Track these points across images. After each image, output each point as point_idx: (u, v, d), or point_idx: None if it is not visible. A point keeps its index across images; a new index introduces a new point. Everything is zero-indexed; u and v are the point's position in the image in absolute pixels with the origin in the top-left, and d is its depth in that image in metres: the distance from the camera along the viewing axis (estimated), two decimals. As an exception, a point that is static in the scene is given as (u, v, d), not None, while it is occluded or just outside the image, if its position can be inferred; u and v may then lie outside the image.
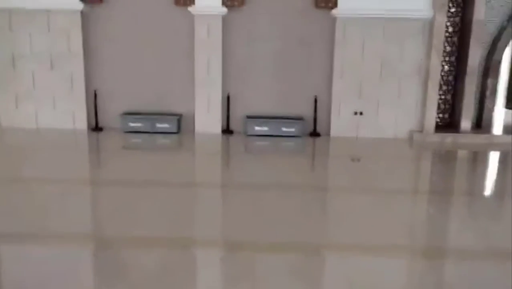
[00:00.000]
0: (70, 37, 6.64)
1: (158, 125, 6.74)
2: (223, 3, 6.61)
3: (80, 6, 6.51)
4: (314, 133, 6.96)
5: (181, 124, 6.93)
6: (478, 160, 6.35)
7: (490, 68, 6.94)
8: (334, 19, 6.67)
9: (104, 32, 6.76)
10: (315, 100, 6.88)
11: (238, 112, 6.96)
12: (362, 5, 6.53)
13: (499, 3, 6.87)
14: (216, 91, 6.83)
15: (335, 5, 6.58)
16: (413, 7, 6.51)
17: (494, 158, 6.40)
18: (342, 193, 4.47)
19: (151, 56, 6.85)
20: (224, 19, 6.69)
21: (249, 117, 6.88)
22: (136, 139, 6.58)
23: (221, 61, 6.75)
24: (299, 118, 6.88)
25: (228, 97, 6.88)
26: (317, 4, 6.64)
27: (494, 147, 6.57)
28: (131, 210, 3.77)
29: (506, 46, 6.92)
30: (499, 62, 6.95)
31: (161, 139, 6.57)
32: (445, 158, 6.29)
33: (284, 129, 6.79)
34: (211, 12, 6.60)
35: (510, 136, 6.72)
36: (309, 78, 6.91)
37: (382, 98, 6.82)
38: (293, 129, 6.79)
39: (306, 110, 6.96)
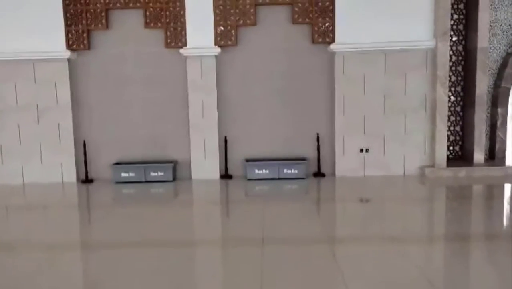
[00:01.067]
0: (57, 87, 6.34)
1: (152, 174, 6.34)
2: (216, 43, 6.35)
3: (67, 54, 6.25)
4: (319, 174, 6.55)
5: (176, 171, 6.53)
6: (495, 195, 5.90)
7: (498, 96, 6.61)
8: (332, 54, 6.40)
9: (92, 80, 6.47)
10: (318, 139, 6.51)
11: (236, 156, 6.58)
12: (360, 38, 6.27)
13: (502, 29, 6.63)
14: (212, 134, 6.47)
15: (332, 39, 6.32)
16: (414, 37, 6.25)
17: (508, 188, 5.97)
18: (352, 243, 4.00)
19: (143, 102, 6.53)
20: (218, 59, 6.42)
21: (248, 160, 6.49)
22: (128, 190, 6.16)
23: (216, 103, 6.43)
24: (302, 159, 6.49)
25: (226, 141, 6.51)
26: (314, 40, 6.38)
27: (510, 179, 6.15)
28: (123, 275, 3.31)
29: (513, 72, 6.63)
30: (508, 89, 6.63)
31: (155, 189, 6.15)
32: (460, 194, 5.84)
33: (286, 171, 6.39)
34: (204, 53, 6.33)
35: (527, 167, 6.31)
36: (310, 116, 6.57)
37: (388, 134, 6.45)
38: (296, 171, 6.38)
39: (308, 150, 6.58)
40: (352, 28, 6.26)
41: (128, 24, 6.40)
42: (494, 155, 6.68)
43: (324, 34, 6.35)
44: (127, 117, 6.55)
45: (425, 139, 6.43)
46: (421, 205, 5.30)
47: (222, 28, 6.34)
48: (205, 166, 6.49)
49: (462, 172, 6.31)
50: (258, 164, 6.40)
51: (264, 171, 6.38)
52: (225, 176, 6.54)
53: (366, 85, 6.39)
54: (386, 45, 6.26)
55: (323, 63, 6.48)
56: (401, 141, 6.44)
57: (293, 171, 6.38)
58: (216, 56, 6.38)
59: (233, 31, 6.35)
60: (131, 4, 6.28)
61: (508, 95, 6.67)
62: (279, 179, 6.37)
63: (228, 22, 6.33)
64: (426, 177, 6.33)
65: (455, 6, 6.68)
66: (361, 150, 6.48)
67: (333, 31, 6.31)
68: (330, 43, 6.33)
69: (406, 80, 6.36)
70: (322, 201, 5.91)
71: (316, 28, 6.34)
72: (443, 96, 6.26)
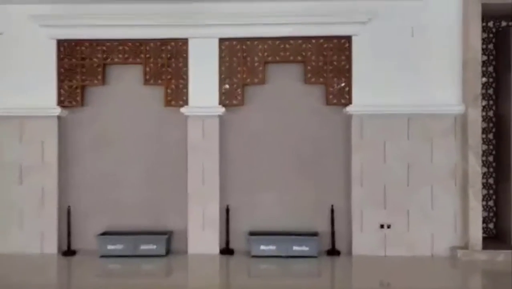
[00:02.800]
0: (44, 146, 5.77)
1: (143, 247, 5.56)
2: (221, 102, 5.79)
3: (57, 110, 5.72)
4: (333, 252, 5.71)
5: (170, 244, 5.75)
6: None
7: (538, 168, 5.85)
8: (349, 117, 5.77)
9: (83, 139, 5.89)
10: (332, 212, 5.74)
11: (239, 228, 5.80)
12: (381, 100, 5.65)
13: (538, 94, 5.97)
14: (213, 203, 5.75)
15: (349, 101, 5.72)
16: (440, 101, 5.61)
17: None
18: None
19: (137, 164, 5.89)
20: (222, 119, 5.83)
21: (252, 234, 5.70)
22: (114, 265, 5.38)
23: (218, 168, 5.76)
24: (314, 234, 5.68)
25: (228, 211, 5.77)
26: (328, 101, 5.78)
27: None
28: None
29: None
30: (548, 161, 5.87)
31: (145, 265, 5.36)
32: (499, 282, 4.93)
33: (295, 248, 5.56)
34: (207, 113, 5.76)
35: None
36: (324, 185, 5.84)
37: (412, 208, 5.65)
38: (306, 248, 5.56)
39: (321, 224, 5.79)
40: (371, 89, 5.66)
41: (126, 81, 5.89)
42: (535, 235, 5.80)
43: (339, 95, 5.75)
44: (119, 180, 5.88)
45: (456, 216, 5.61)
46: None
47: (227, 86, 5.81)
48: (203, 239, 5.71)
49: (500, 255, 5.42)
50: (263, 239, 5.60)
51: (270, 247, 5.56)
52: (226, 250, 5.74)
53: (387, 152, 5.69)
54: (410, 109, 5.63)
55: (338, 127, 5.83)
56: (427, 217, 5.63)
57: (303, 247, 5.56)
58: (220, 116, 5.79)
59: (239, 90, 5.80)
60: (130, 59, 5.82)
61: (548, 167, 5.89)
62: (287, 257, 5.54)
63: (235, 80, 5.80)
64: (458, 260, 5.45)
65: (483, 69, 6.09)
66: (382, 226, 5.67)
67: (349, 92, 5.72)
68: (346, 105, 5.72)
69: (433, 148, 5.65)
70: (337, 284, 5.05)
71: (330, 89, 5.75)
72: (476, 168, 5.50)
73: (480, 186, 5.53)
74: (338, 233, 5.75)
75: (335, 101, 5.77)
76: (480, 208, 5.51)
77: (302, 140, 5.87)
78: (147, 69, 5.81)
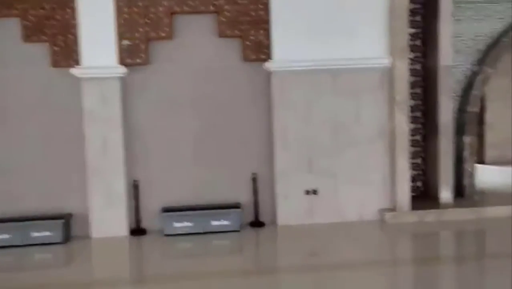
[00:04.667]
0: None
1: (34, 234, 4.74)
2: (121, 61, 4.94)
3: None
4: (257, 224, 5.23)
5: (70, 230, 4.96)
6: (469, 246, 4.84)
7: (464, 123, 5.62)
8: (269, 74, 5.16)
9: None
10: (254, 180, 5.20)
11: (152, 205, 5.12)
12: (303, 54, 5.08)
13: (466, 44, 5.69)
14: (117, 178, 4.99)
15: (269, 56, 5.10)
16: (366, 54, 5.14)
17: (489, 240, 4.93)
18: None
19: (24, 140, 4.97)
20: (124, 82, 5.00)
21: (166, 210, 5.05)
22: (1, 258, 4.56)
23: (122, 138, 4.99)
24: (235, 206, 5.13)
25: (136, 186, 5.06)
26: (246, 57, 5.12)
27: (485, 223, 5.12)
28: None
29: (480, 95, 5.68)
30: (475, 115, 5.66)
31: (39, 255, 4.59)
32: (428, 245, 4.70)
33: (214, 223, 5.01)
34: (104, 74, 4.91)
35: (502, 208, 5.29)
36: (244, 152, 5.26)
37: (340, 172, 5.25)
38: (227, 222, 5.02)
39: (243, 195, 5.24)
40: (293, 43, 5.07)
41: (0, 37, 4.87)
42: (463, 192, 5.65)
43: (258, 50, 5.11)
44: (10, 161, 4.96)
45: (384, 177, 5.28)
46: (380, 259, 4.08)
47: (128, 42, 4.96)
48: (108, 220, 4.98)
49: (429, 215, 5.20)
50: (178, 215, 4.98)
51: (186, 223, 4.97)
52: (137, 231, 5.07)
53: (312, 112, 5.19)
54: (335, 64, 5.11)
55: (258, 86, 5.22)
56: (356, 180, 5.25)
57: (223, 222, 5.01)
58: (121, 78, 4.96)
59: (142, 46, 4.97)
60: (4, 11, 4.77)
61: (475, 121, 5.70)
62: (205, 233, 4.98)
63: (137, 34, 4.95)
64: (386, 223, 5.17)
65: (410, 18, 5.67)
66: (308, 192, 5.24)
67: (269, 47, 5.09)
68: (265, 60, 5.10)
69: (360, 106, 5.22)
70: (262, 258, 4.58)
71: (247, 43, 5.09)
72: (403, 126, 5.15)
73: (407, 144, 5.21)
74: (262, 202, 5.24)
75: (253, 57, 5.12)
76: (407, 168, 5.21)
77: (218, 102, 5.20)
78: (26, 22, 4.80)
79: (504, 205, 5.35)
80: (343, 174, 5.24)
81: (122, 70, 4.93)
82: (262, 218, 5.26)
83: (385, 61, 5.15)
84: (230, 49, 5.15)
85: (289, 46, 5.06)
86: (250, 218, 5.23)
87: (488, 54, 5.60)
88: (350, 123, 5.21)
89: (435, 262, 4.13)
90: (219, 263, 4.30)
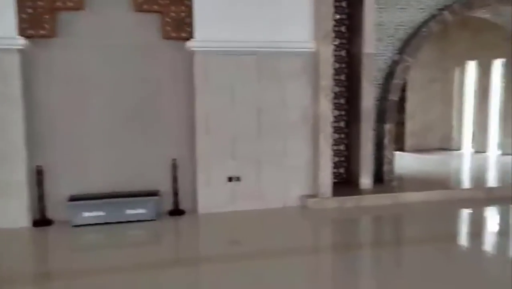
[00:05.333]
0: None
1: None
2: (21, 32, 4.38)
3: None
4: (176, 212, 4.96)
5: (-41, 221, 4.39)
6: (386, 231, 4.94)
7: (385, 110, 5.73)
8: (191, 54, 4.87)
9: None
10: (174, 166, 4.92)
11: (58, 193, 4.66)
12: (227, 35, 4.84)
13: (387, 34, 5.77)
14: (17, 164, 4.46)
15: (191, 35, 4.80)
16: (292, 38, 5.02)
17: (404, 224, 5.07)
18: None
19: None
20: (25, 56, 4.46)
21: (74, 199, 4.61)
22: None
23: (22, 119, 4.45)
24: (152, 194, 4.82)
25: (40, 172, 4.56)
26: (165, 34, 4.78)
27: (402, 208, 5.26)
28: None
29: (401, 83, 5.80)
30: (396, 103, 5.78)
31: None
32: (345, 230, 4.73)
33: (129, 212, 4.67)
34: (1, 46, 4.33)
35: (418, 193, 5.48)
36: (163, 136, 4.95)
37: (264, 158, 5.12)
38: (143, 211, 4.70)
39: (161, 182, 4.94)
40: (217, 22, 4.81)
41: None
42: (382, 178, 5.78)
43: (179, 28, 4.79)
44: None
45: (307, 163, 5.24)
46: (300, 252, 4.01)
47: (30, 11, 4.40)
48: (6, 210, 4.45)
49: (348, 201, 5.25)
50: (87, 204, 4.56)
51: (97, 213, 4.58)
52: (42, 221, 4.59)
53: (236, 96, 4.99)
54: (258, 46, 4.94)
55: (178, 66, 4.91)
56: (280, 166, 5.16)
57: (139, 210, 4.69)
58: (21, 51, 4.41)
59: (47, 16, 4.45)
60: None
61: (395, 109, 5.83)
62: (119, 223, 4.63)
63: (39, 2, 4.41)
64: (308, 209, 5.14)
65: (336, 3, 5.63)
66: (231, 179, 5.06)
67: (191, 24, 4.79)
68: (187, 39, 4.80)
69: (284, 90, 5.10)
70: (181, 248, 4.33)
71: (167, 19, 4.75)
72: (327, 112, 5.13)
73: (330, 130, 5.19)
74: (182, 190, 4.99)
75: (173, 34, 4.79)
76: (330, 154, 5.20)
77: (135, 83, 4.83)
78: None
79: (419, 190, 5.55)
80: (267, 160, 5.12)
81: (21, 42, 4.37)
82: (183, 206, 5.00)
83: (310, 46, 5.07)
84: (149, 25, 4.77)
85: (213, 25, 4.79)
86: (169, 206, 4.96)
87: (409, 44, 5.73)
88: (275, 108, 5.09)
89: (352, 248, 4.14)
90: (133, 255, 3.98)
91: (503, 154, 8.12)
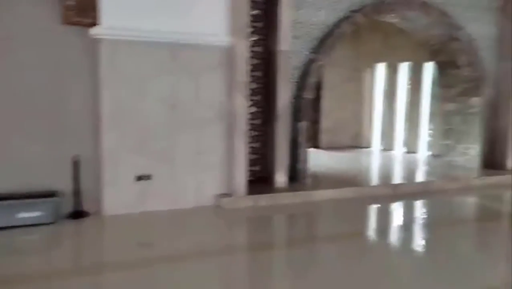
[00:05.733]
0: None
1: None
2: None
3: None
4: (78, 214, 4.54)
5: None
6: (299, 229, 4.96)
7: (301, 109, 5.77)
8: (96, 42, 4.47)
9: None
10: (76, 164, 4.49)
11: None
12: (138, 23, 4.51)
13: (303, 31, 5.80)
14: None
15: (96, 21, 4.40)
16: (207, 30, 4.82)
17: (316, 222, 5.14)
18: None
19: None
20: None
21: (-47, 202, 4.03)
22: None
23: None
24: (49, 195, 4.36)
25: None
26: (66, 19, 4.32)
27: (314, 206, 5.33)
28: None
29: (316, 82, 5.87)
30: (310, 101, 5.84)
31: None
32: (260, 229, 4.66)
33: (22, 215, 4.17)
34: None
35: (330, 191, 5.59)
36: (64, 131, 4.50)
37: (176, 155, 4.87)
38: (38, 214, 4.22)
39: (61, 181, 4.49)
40: (126, 7, 4.47)
41: None
42: (296, 176, 5.81)
43: (82, 12, 4.36)
44: None
45: (222, 161, 5.09)
46: (213, 254, 3.86)
47: None
48: None
49: (262, 200, 5.20)
50: (-29, 207, 4.01)
51: (-19, 217, 4.03)
52: None
53: (146, 89, 4.68)
54: (171, 37, 4.67)
55: (82, 55, 4.49)
56: (193, 164, 4.95)
57: (33, 213, 4.21)
58: None
59: None
60: None
61: (310, 108, 5.88)
62: (10, 227, 4.12)
63: None
64: (222, 209, 5.00)
65: (254, -1, 5.54)
66: (140, 178, 4.74)
67: (95, 9, 4.39)
68: (92, 25, 4.39)
69: (198, 85, 4.89)
70: (80, 256, 3.94)
71: (69, 2, 4.30)
72: (243, 108, 5.02)
73: (245, 127, 5.09)
74: (86, 190, 4.58)
75: (76, 19, 4.36)
76: (245, 151, 5.11)
77: (31, 72, 4.32)
78: None
79: (331, 188, 5.67)
80: (179, 157, 4.88)
81: None
82: (86, 208, 4.60)
83: (226, 40, 4.91)
84: (45, 8, 4.29)
85: (121, 11, 4.44)
86: (70, 208, 4.52)
87: (323, 43, 5.81)
88: (188, 103, 4.86)
89: (264, 248, 4.07)
90: (25, 263, 3.53)
91: (408, 152, 8.67)
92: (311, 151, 8.65)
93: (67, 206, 4.50)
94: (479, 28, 6.71)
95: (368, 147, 9.39)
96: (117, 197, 4.65)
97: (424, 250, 4.15)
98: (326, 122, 9.27)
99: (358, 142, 9.51)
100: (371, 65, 9.33)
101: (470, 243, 4.45)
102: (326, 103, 9.18)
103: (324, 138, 9.28)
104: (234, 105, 4.97)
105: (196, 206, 4.99)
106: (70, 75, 4.47)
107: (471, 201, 5.93)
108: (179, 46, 4.74)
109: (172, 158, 4.84)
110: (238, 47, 4.91)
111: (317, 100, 9.05)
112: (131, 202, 4.71)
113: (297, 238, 4.51)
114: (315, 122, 9.17)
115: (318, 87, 8.97)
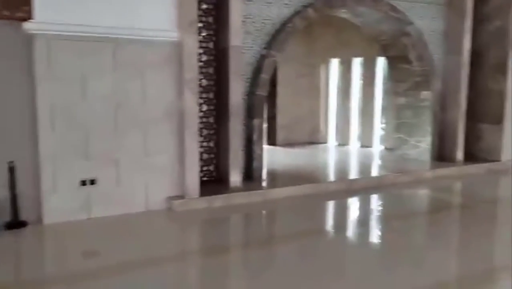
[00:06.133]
0: None
1: None
2: None
3: None
4: (15, 224, 4.19)
5: None
6: (255, 229, 4.84)
7: (254, 106, 5.63)
8: (30, 38, 4.13)
9: None
10: (11, 170, 4.14)
11: None
12: (76, 17, 4.21)
13: (255, 27, 5.66)
14: None
15: (29, 15, 4.06)
16: (153, 25, 4.58)
17: (273, 222, 5.04)
18: None
19: None
20: None
21: None
22: None
23: None
24: (-19, 205, 4.01)
25: None
26: (-6, 12, 3.97)
27: (270, 205, 5.23)
28: None
29: (271, 78, 5.75)
30: (264, 98, 5.72)
31: None
32: (214, 232, 4.49)
33: (-51, 229, 3.80)
34: None
35: (286, 189, 5.50)
36: (-6, 134, 4.15)
37: (123, 157, 4.61)
38: (-31, 227, 3.87)
39: (-6, 189, 4.14)
40: (61, 1, 4.15)
41: None
42: (251, 175, 5.68)
43: (13, 5, 4.01)
44: None
45: (173, 163, 4.87)
46: (165, 261, 3.65)
47: None
48: None
49: (217, 201, 5.03)
50: None
51: None
52: None
53: (88, 88, 4.38)
54: (114, 32, 4.40)
55: (14, 51, 4.14)
56: (142, 166, 4.70)
57: (-37, 226, 3.85)
58: None
59: None
60: None
61: (263, 104, 5.77)
62: None
63: None
64: (174, 212, 4.79)
65: (204, -8, 5.35)
66: (84, 182, 4.45)
67: (29, 2, 4.05)
68: (25, 20, 4.05)
69: (145, 82, 4.65)
70: (19, 270, 3.62)
71: (-4, -6, 3.95)
72: (193, 107, 4.81)
73: (197, 126, 4.89)
74: (25, 198, 4.24)
75: (6, 13, 4.00)
76: (197, 151, 4.91)
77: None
78: None
79: (288, 186, 5.57)
80: (126, 160, 4.62)
81: None
82: (24, 217, 4.26)
83: (173, 35, 4.68)
84: (-30, -1, 3.92)
85: (58, 5, 4.13)
86: (7, 217, 4.17)
87: (275, 38, 5.69)
88: (134, 102, 4.60)
89: (219, 251, 3.92)
90: None
91: (362, 146, 8.75)
92: (268, 148, 8.60)
93: (3, 216, 4.15)
94: (428, 23, 6.83)
95: (324, 142, 9.42)
96: (58, 204, 4.33)
97: (379, 244, 4.13)
98: (282, 118, 9.19)
99: (314, 138, 9.51)
100: (325, 61, 9.34)
101: (423, 235, 4.49)
102: (282, 100, 9.10)
103: (280, 135, 9.20)
104: (184, 104, 4.75)
105: (146, 210, 4.75)
106: (3, 75, 4.10)
107: (422, 193, 6.03)
108: (123, 42, 4.47)
109: (118, 160, 4.57)
110: (187, 43, 4.70)
111: (272, 96, 8.96)
112: (74, 209, 4.41)
113: (253, 239, 4.38)
114: (271, 119, 9.09)
115: (274, 84, 8.89)
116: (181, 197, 4.86)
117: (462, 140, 7.05)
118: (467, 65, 6.90)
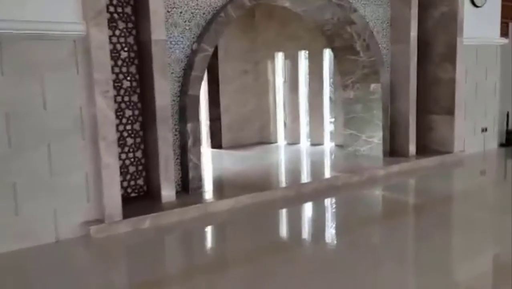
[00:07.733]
0: None
1: None
2: None
3: None
4: None
5: None
6: (191, 252, 4.15)
7: (187, 108, 4.93)
8: None
9: None
10: None
11: None
12: None
13: (184, 18, 4.95)
14: None
15: None
16: (50, 16, 3.75)
17: (212, 240, 4.36)
18: None
19: None
20: None
21: None
22: None
23: None
24: None
25: None
26: None
27: (211, 219, 4.55)
28: None
29: (202, 76, 5.05)
30: (197, 98, 5.03)
31: None
32: (140, 262, 3.72)
33: None
34: None
35: (228, 200, 4.84)
36: None
37: (20, 179, 3.77)
38: None
39: None
40: None
41: None
42: (188, 187, 4.98)
43: None
44: None
45: (87, 180, 4.08)
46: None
47: None
48: None
49: (145, 221, 4.29)
50: None
51: None
52: None
53: (-30, 96, 3.52)
54: (1, 26, 3.56)
55: None
56: (46, 188, 3.88)
57: None
58: None
59: None
60: None
61: (198, 106, 5.08)
62: None
63: None
64: (92, 239, 4.00)
65: (118, -22, 4.57)
66: (-30, 214, 3.58)
67: None
68: None
69: (45, 87, 3.82)
70: None
71: None
72: (107, 113, 4.03)
73: (115, 135, 4.13)
74: None
75: None
76: (117, 165, 4.14)
77: None
78: None
79: (230, 197, 4.91)
80: (26, 182, 3.78)
81: None
82: None
83: (78, 29, 3.89)
84: None
85: None
86: None
87: (207, 30, 5.01)
88: (32, 111, 3.77)
89: (150, 287, 3.20)
90: None
91: (313, 144, 8.25)
92: (212, 152, 7.91)
93: None
94: (373, 10, 6.39)
95: (274, 142, 8.83)
96: None
97: (331, 256, 3.56)
98: (227, 119, 8.52)
99: (264, 138, 8.91)
100: (269, 56, 8.76)
101: (373, 251, 3.96)
102: (225, 99, 8.43)
103: (226, 136, 8.52)
104: (95, 109, 3.98)
105: (56, 241, 3.94)
106: None
107: (375, 195, 5.58)
108: (12, 38, 3.63)
109: (14, 183, 3.73)
110: (95, 37, 3.92)
111: (215, 96, 8.28)
112: (-41, 248, 3.54)
113: (191, 266, 3.69)
114: (215, 120, 8.40)
115: (217, 82, 8.21)
116: (100, 221, 4.08)
117: (414, 133, 6.68)
118: (415, 54, 6.53)
